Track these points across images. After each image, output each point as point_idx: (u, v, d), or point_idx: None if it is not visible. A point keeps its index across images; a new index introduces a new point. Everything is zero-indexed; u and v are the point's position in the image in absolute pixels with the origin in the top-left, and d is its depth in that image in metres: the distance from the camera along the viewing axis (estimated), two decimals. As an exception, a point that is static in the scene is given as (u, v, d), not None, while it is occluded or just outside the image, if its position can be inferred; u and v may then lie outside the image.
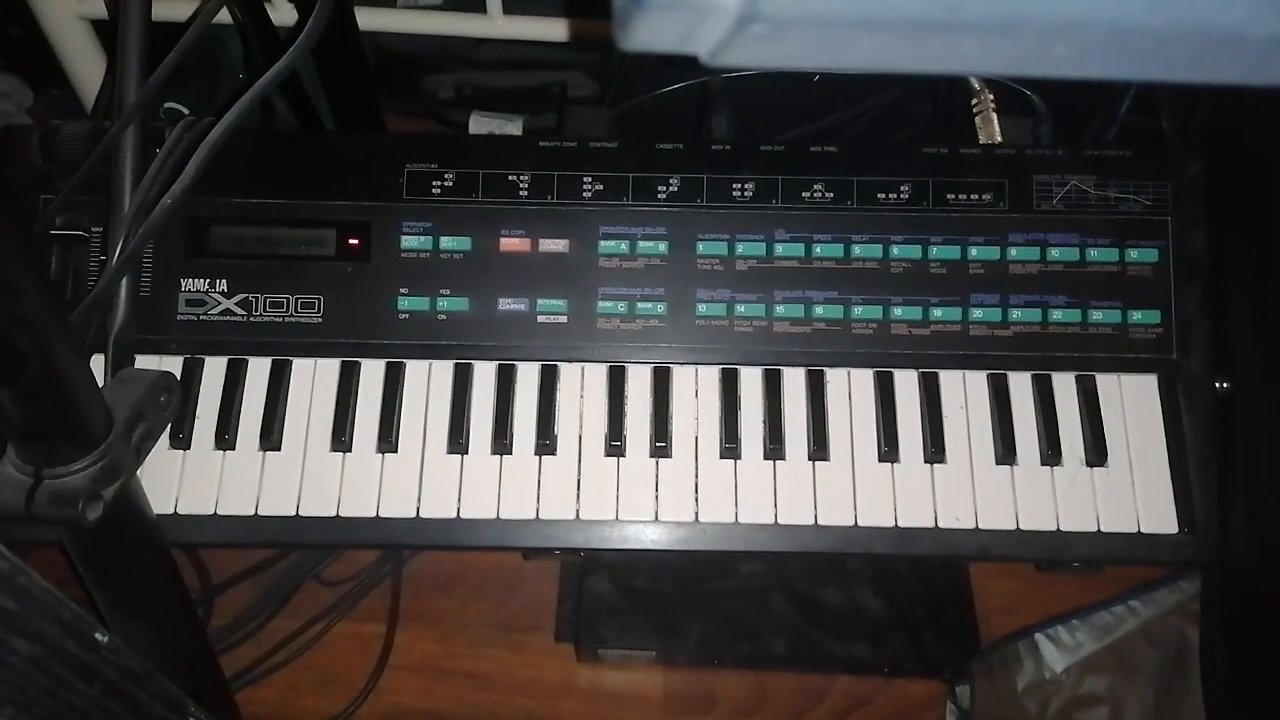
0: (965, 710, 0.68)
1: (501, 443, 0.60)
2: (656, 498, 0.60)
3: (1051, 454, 0.60)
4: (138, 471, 0.52)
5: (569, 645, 0.70)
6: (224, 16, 0.71)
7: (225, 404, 0.60)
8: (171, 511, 0.58)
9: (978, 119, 0.66)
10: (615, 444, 0.60)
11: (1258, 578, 0.58)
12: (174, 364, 0.61)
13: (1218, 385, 0.61)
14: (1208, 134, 0.64)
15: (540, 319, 0.62)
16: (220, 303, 0.62)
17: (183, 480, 0.59)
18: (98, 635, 0.29)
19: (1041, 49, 0.17)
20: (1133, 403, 0.61)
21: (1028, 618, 0.69)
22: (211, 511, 0.59)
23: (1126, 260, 0.62)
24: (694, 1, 0.17)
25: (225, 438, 0.60)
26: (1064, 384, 0.61)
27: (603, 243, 0.63)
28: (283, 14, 0.72)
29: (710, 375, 0.62)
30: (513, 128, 0.82)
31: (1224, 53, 0.17)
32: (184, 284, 0.62)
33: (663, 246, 0.63)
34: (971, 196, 0.63)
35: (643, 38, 0.18)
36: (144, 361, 0.60)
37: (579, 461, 0.60)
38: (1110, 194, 0.63)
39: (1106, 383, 0.61)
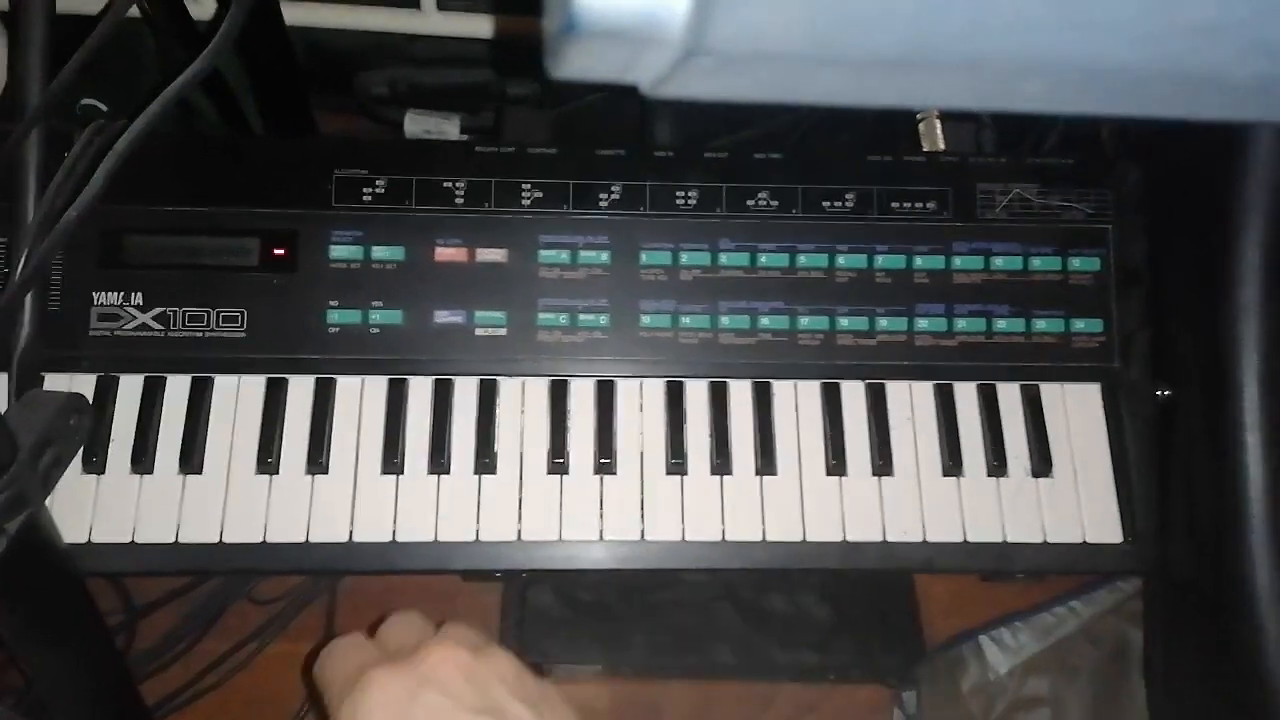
0: (912, 716, 0.68)
1: (439, 462, 0.58)
2: (601, 516, 0.58)
3: (997, 465, 0.59)
4: (46, 500, 0.49)
5: (512, 660, 0.68)
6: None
7: (142, 425, 0.57)
8: (85, 540, 0.55)
9: (921, 125, 0.66)
10: (558, 461, 0.58)
11: (1194, 585, 0.58)
12: (86, 383, 0.57)
13: (1158, 394, 0.61)
14: (1145, 143, 0.64)
15: (478, 331, 0.60)
16: (136, 317, 0.58)
17: (97, 507, 0.56)
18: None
19: (1012, 86, 0.16)
20: (1076, 412, 0.61)
21: (971, 619, 0.69)
22: (129, 540, 0.55)
23: (1069, 269, 0.62)
24: (633, 31, 0.15)
25: (142, 461, 0.56)
26: (1009, 394, 0.61)
27: (543, 252, 0.61)
28: (203, 7, 0.69)
29: (655, 388, 0.60)
30: (449, 126, 0.80)
31: (1204, 92, 0.16)
32: (96, 297, 0.58)
33: (605, 256, 0.61)
34: (916, 205, 0.62)
35: (577, 66, 0.17)
36: (53, 380, 0.57)
37: (520, 480, 0.58)
38: (1053, 202, 0.62)
39: (1050, 392, 0.61)
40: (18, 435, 0.47)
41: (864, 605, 0.69)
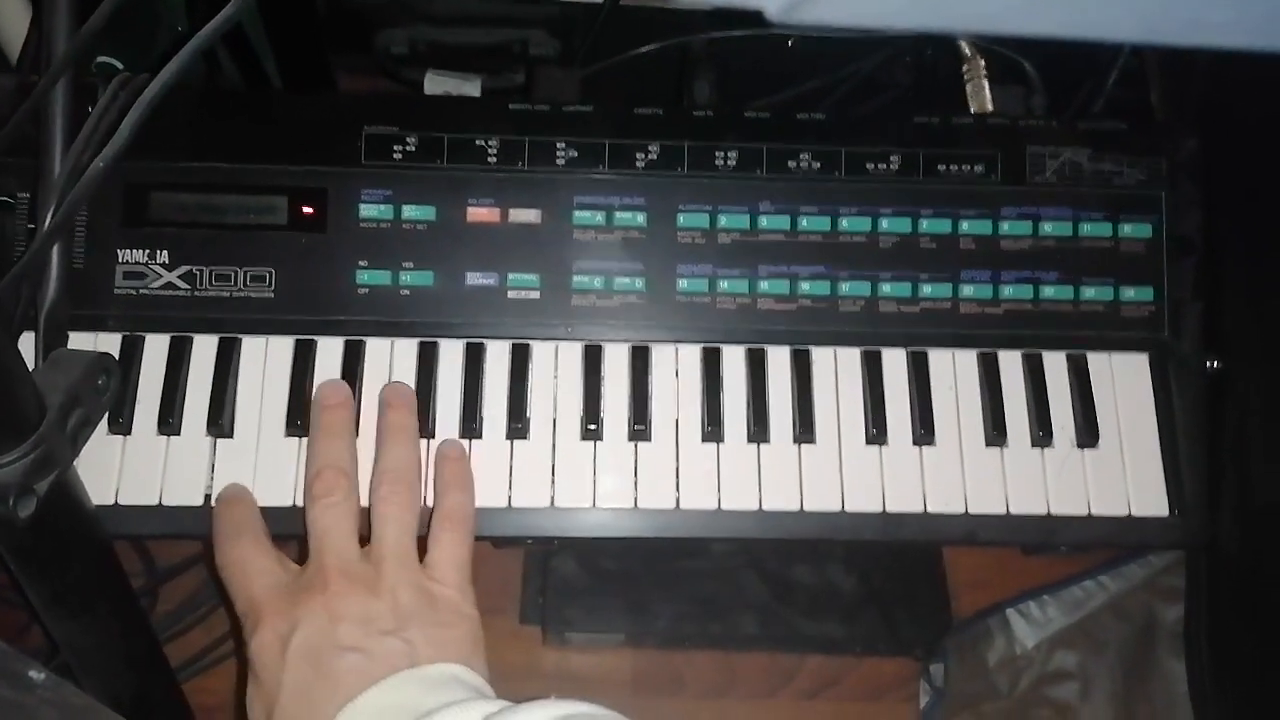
0: (939, 689, 0.67)
1: (470, 426, 0.57)
2: (635, 484, 0.57)
3: (1042, 435, 0.58)
4: (74, 461, 0.48)
5: (534, 627, 0.67)
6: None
7: (169, 386, 0.56)
8: (112, 502, 0.54)
9: (968, 87, 0.64)
10: (591, 427, 0.57)
11: (1246, 560, 0.57)
12: (112, 342, 0.56)
13: (1209, 365, 0.59)
14: (1202, 108, 0.62)
15: (511, 294, 0.58)
16: (162, 275, 0.57)
17: (124, 468, 0.55)
18: (32, 673, 0.25)
19: (1195, 14, 0.14)
20: (1124, 382, 0.59)
21: (998, 591, 0.69)
22: (156, 502, 0.54)
23: (1119, 236, 0.60)
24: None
25: (169, 422, 0.55)
26: (1055, 363, 0.59)
27: (577, 213, 0.59)
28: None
29: (691, 354, 0.59)
30: (470, 88, 0.77)
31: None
32: (121, 255, 0.57)
33: (641, 218, 0.59)
34: (963, 168, 0.60)
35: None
36: (78, 339, 0.56)
37: (553, 446, 0.57)
38: (1104, 167, 0.60)
39: (1097, 362, 0.60)
40: (46, 394, 0.46)
41: (891, 577, 0.68)
